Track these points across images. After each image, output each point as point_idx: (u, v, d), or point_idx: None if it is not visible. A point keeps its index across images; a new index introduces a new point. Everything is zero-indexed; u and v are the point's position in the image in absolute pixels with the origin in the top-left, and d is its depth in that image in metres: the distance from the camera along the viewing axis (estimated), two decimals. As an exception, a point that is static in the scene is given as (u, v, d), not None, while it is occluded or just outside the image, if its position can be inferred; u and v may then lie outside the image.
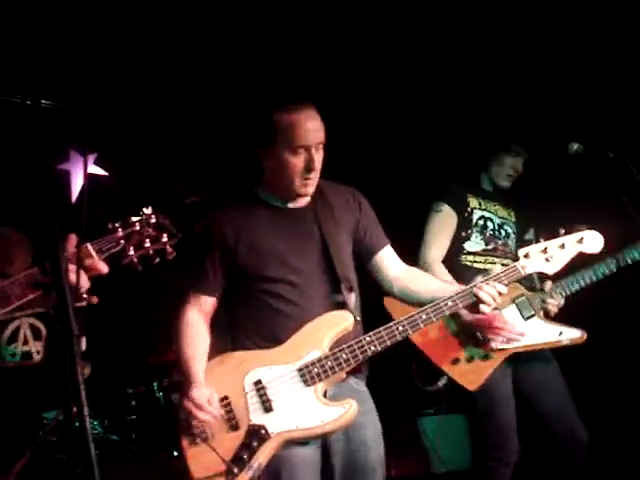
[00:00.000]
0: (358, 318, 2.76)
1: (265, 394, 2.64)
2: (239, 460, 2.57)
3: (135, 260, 2.26)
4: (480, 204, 3.90)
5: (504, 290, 2.72)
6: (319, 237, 2.79)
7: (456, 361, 3.54)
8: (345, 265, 2.81)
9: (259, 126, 2.74)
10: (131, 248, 2.25)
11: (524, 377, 3.72)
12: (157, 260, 2.32)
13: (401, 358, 3.63)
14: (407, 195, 4.84)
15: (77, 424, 1.64)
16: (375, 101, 4.91)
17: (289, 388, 2.65)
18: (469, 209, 3.85)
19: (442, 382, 3.57)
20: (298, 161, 2.68)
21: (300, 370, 2.66)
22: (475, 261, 3.82)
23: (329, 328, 2.71)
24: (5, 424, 3.29)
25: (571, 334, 3.57)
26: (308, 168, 2.69)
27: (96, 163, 5.18)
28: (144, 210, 2.32)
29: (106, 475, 1.59)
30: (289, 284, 2.73)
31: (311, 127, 2.68)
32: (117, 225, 2.26)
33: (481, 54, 4.60)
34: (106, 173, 5.22)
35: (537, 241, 2.81)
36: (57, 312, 1.52)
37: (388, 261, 2.94)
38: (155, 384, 4.16)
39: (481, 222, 3.87)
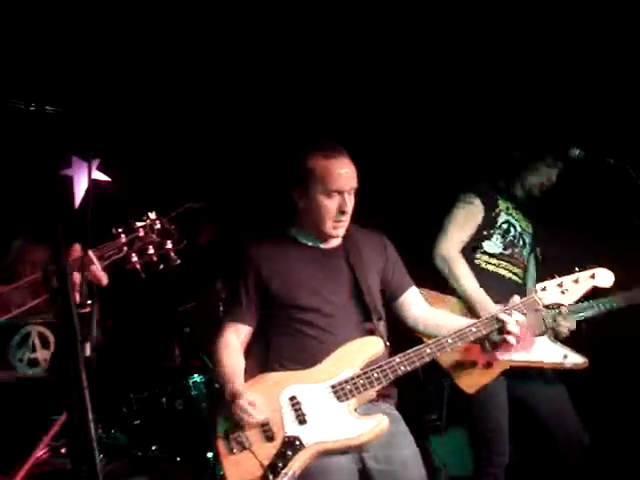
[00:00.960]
0: (387, 344, 2.91)
1: (300, 409, 2.78)
2: (274, 468, 2.69)
3: (138, 266, 2.23)
4: (508, 208, 3.91)
5: (522, 319, 2.88)
6: (349, 273, 2.97)
7: (459, 365, 3.61)
8: (374, 298, 2.98)
9: (296, 169, 2.94)
10: (134, 254, 2.21)
11: (524, 380, 3.74)
12: (161, 267, 2.29)
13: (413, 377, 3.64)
14: (430, 200, 4.84)
15: (81, 429, 1.64)
16: (396, 108, 4.92)
17: (323, 403, 2.79)
18: (497, 210, 3.87)
19: (446, 382, 3.66)
20: (331, 204, 2.88)
21: (333, 387, 2.80)
22: (489, 263, 3.83)
23: (361, 352, 2.86)
24: (12, 428, 3.29)
25: (575, 359, 3.69)
26: (341, 211, 2.89)
27: (99, 169, 5.19)
28: (149, 215, 2.28)
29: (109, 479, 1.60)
30: (322, 313, 2.90)
31: (345, 173, 2.89)
32: (120, 230, 2.22)
33: (492, 63, 4.65)
34: (109, 179, 5.23)
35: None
36: (61, 317, 1.52)
37: (413, 302, 3.10)
38: (158, 390, 4.16)
39: (505, 226, 3.88)
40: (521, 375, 3.70)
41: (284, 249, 2.99)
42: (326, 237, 2.99)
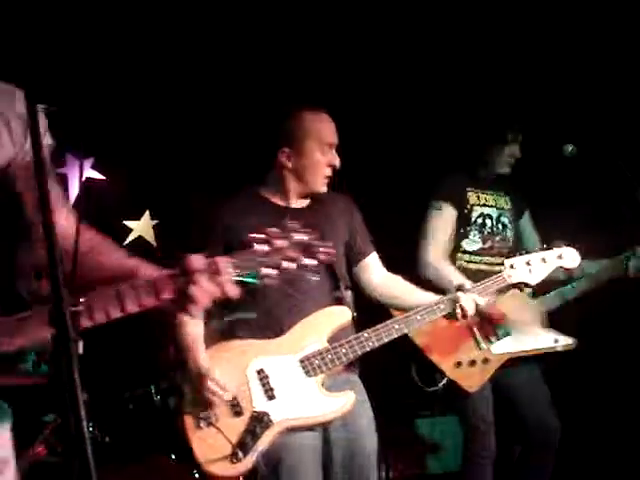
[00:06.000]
0: (355, 314, 2.93)
1: (268, 382, 2.78)
2: (243, 445, 2.68)
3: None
4: (479, 198, 3.92)
5: (481, 302, 3.00)
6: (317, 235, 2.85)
7: (459, 364, 3.65)
8: (342, 264, 3.02)
9: (286, 129, 2.97)
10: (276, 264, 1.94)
11: (505, 371, 3.76)
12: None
13: (399, 360, 3.68)
14: (401, 190, 4.85)
15: (74, 428, 1.65)
16: (365, 97, 4.91)
17: (291, 378, 2.79)
18: (469, 206, 3.88)
19: (442, 382, 3.67)
20: (324, 159, 2.94)
21: (302, 361, 2.80)
22: (470, 261, 3.86)
23: (329, 322, 2.88)
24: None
25: (565, 341, 3.75)
26: (331, 165, 2.95)
27: (94, 167, 5.18)
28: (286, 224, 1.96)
29: (103, 479, 1.60)
30: (288, 278, 2.73)
31: (333, 127, 2.98)
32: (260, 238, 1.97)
33: (474, 52, 4.65)
34: (104, 177, 5.22)
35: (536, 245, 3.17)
36: (54, 316, 1.52)
37: (373, 267, 3.15)
38: (153, 387, 4.15)
39: (480, 220, 3.89)
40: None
41: (251, 209, 2.93)
42: (308, 194, 3.00)
